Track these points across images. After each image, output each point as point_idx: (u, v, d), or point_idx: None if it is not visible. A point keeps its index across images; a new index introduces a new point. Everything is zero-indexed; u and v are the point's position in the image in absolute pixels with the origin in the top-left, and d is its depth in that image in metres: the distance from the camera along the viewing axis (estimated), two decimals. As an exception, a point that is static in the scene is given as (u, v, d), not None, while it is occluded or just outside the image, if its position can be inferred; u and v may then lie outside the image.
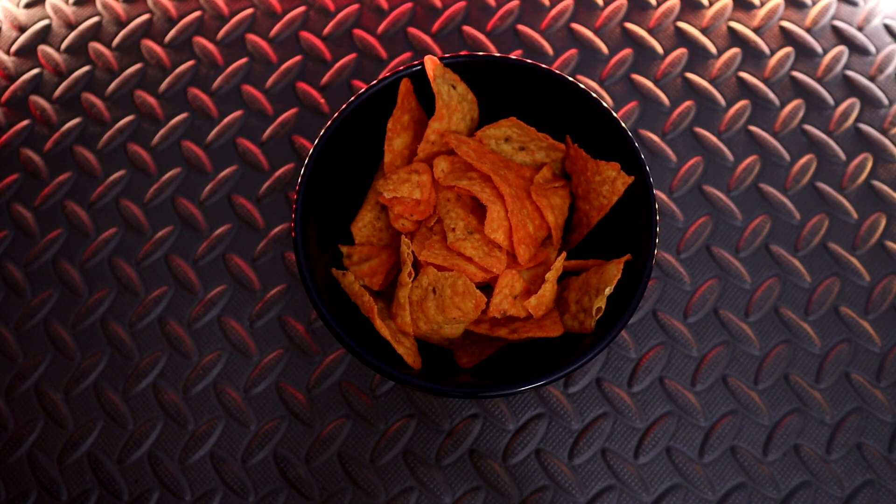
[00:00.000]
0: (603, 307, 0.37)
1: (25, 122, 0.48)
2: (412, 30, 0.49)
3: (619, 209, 0.40)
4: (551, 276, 0.37)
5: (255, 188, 0.46)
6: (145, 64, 0.49)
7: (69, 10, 0.50)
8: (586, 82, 0.48)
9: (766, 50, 0.49)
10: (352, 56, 0.49)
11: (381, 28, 0.49)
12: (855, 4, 0.49)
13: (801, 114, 0.47)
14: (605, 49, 0.49)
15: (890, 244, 0.45)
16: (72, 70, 0.49)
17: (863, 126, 0.47)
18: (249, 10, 0.50)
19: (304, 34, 0.49)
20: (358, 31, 0.49)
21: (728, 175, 0.46)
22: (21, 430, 0.43)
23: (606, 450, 0.42)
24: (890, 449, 0.42)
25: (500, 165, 0.40)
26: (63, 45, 0.49)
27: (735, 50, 0.49)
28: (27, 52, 0.49)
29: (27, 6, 0.50)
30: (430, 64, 0.39)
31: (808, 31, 0.49)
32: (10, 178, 0.47)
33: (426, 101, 0.42)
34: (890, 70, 0.48)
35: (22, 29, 0.49)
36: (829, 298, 0.44)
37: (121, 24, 0.49)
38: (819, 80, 0.48)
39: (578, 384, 0.43)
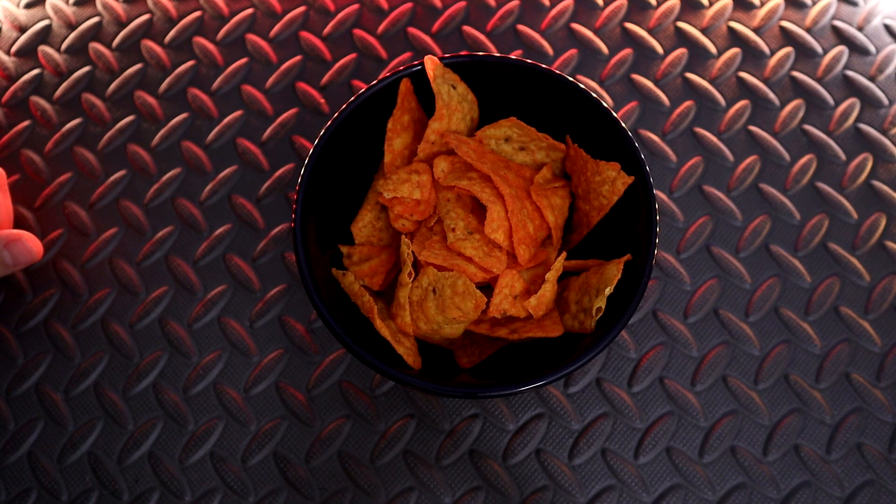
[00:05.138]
0: (603, 307, 0.37)
1: (26, 123, 0.48)
2: (412, 30, 0.49)
3: (619, 209, 0.40)
4: (551, 276, 0.37)
5: (255, 188, 0.46)
6: (145, 64, 0.49)
7: (69, 10, 0.50)
8: (586, 82, 0.48)
9: (766, 50, 0.49)
10: (352, 56, 0.49)
11: (381, 28, 0.49)
12: (855, 4, 0.49)
13: (801, 114, 0.47)
14: (605, 49, 0.49)
15: (890, 244, 0.45)
16: (72, 70, 0.49)
17: (863, 126, 0.47)
18: (249, 10, 0.50)
19: (304, 34, 0.49)
20: (358, 31, 0.49)
21: (728, 175, 0.46)
22: (21, 430, 0.43)
23: (606, 450, 0.42)
24: (890, 449, 0.42)
25: (500, 165, 0.40)
26: (63, 46, 0.49)
27: (735, 50, 0.49)
28: (27, 53, 0.49)
29: (27, 6, 0.50)
30: (430, 64, 0.39)
31: (808, 31, 0.49)
32: (12, 179, 0.47)
33: (426, 101, 0.42)
34: (890, 70, 0.48)
35: (22, 29, 0.49)
36: (829, 298, 0.44)
37: (121, 25, 0.49)
38: (819, 80, 0.48)
39: (578, 384, 0.43)
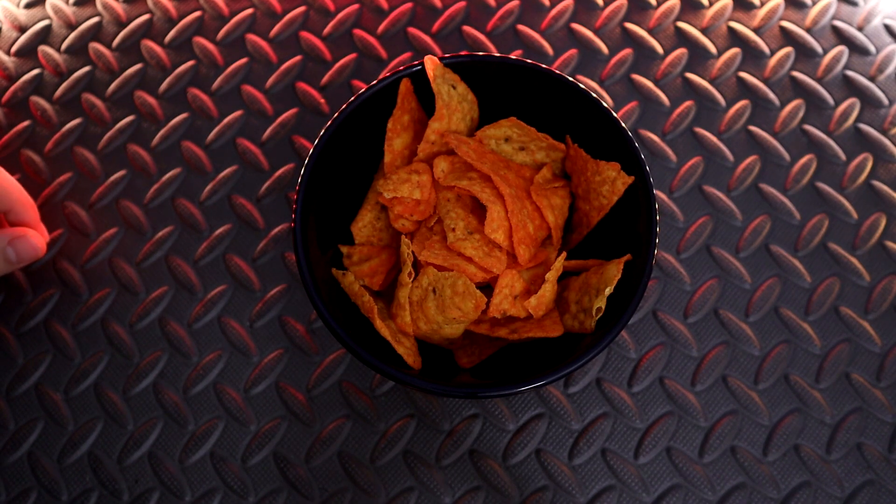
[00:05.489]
0: (603, 307, 0.37)
1: (26, 123, 0.48)
2: (412, 30, 0.49)
3: (619, 209, 0.40)
4: (551, 276, 0.37)
5: (255, 188, 0.46)
6: (145, 64, 0.49)
7: (69, 10, 0.50)
8: (586, 82, 0.48)
9: (766, 50, 0.49)
10: (352, 56, 0.49)
11: (381, 28, 0.49)
12: (855, 4, 0.49)
13: (801, 114, 0.47)
14: (605, 49, 0.49)
15: (890, 244, 0.45)
16: (72, 70, 0.49)
17: (863, 126, 0.47)
18: (249, 10, 0.50)
19: (304, 34, 0.49)
20: (358, 31, 0.49)
21: (728, 175, 0.46)
22: (21, 430, 0.43)
23: (606, 450, 0.42)
24: (890, 449, 0.42)
25: (500, 165, 0.40)
26: (63, 46, 0.49)
27: (735, 50, 0.49)
28: (27, 53, 0.49)
29: (27, 6, 0.50)
30: (430, 64, 0.39)
31: (808, 31, 0.49)
32: (11, 179, 0.47)
33: (426, 101, 0.42)
34: (890, 70, 0.48)
35: (22, 29, 0.49)
36: (829, 298, 0.44)
37: (121, 25, 0.49)
38: (819, 80, 0.48)
39: (578, 384, 0.43)
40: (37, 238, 0.42)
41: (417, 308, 0.38)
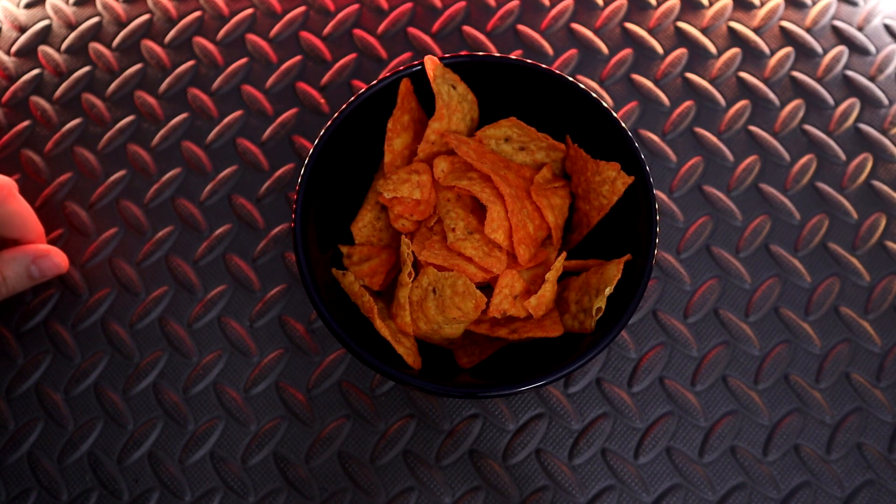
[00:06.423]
0: (603, 307, 0.37)
1: (26, 123, 0.48)
2: (412, 30, 0.49)
3: (619, 209, 0.40)
4: (551, 276, 0.37)
5: (255, 188, 0.46)
6: (145, 64, 0.49)
7: (69, 10, 0.50)
8: (586, 82, 0.48)
9: (766, 50, 0.49)
10: (352, 56, 0.49)
11: (381, 28, 0.49)
12: (855, 4, 0.49)
13: (801, 114, 0.47)
14: (605, 49, 0.49)
15: (890, 244, 0.45)
16: (72, 70, 0.49)
17: (863, 126, 0.47)
18: (249, 10, 0.50)
19: (304, 34, 0.49)
20: (358, 31, 0.49)
21: (728, 175, 0.46)
22: (21, 430, 0.43)
23: (606, 450, 0.42)
24: (890, 449, 0.42)
25: (500, 165, 0.40)
26: (63, 46, 0.49)
27: (735, 50, 0.49)
28: (27, 53, 0.49)
29: (27, 6, 0.50)
30: (430, 64, 0.39)
31: (808, 31, 0.49)
32: (12, 179, 0.47)
33: (426, 101, 0.42)
34: (890, 70, 0.48)
35: (22, 29, 0.49)
36: (829, 298, 0.44)
37: (121, 25, 0.49)
38: (819, 80, 0.48)
39: (578, 384, 0.43)
40: (60, 256, 0.43)
41: (417, 308, 0.38)
